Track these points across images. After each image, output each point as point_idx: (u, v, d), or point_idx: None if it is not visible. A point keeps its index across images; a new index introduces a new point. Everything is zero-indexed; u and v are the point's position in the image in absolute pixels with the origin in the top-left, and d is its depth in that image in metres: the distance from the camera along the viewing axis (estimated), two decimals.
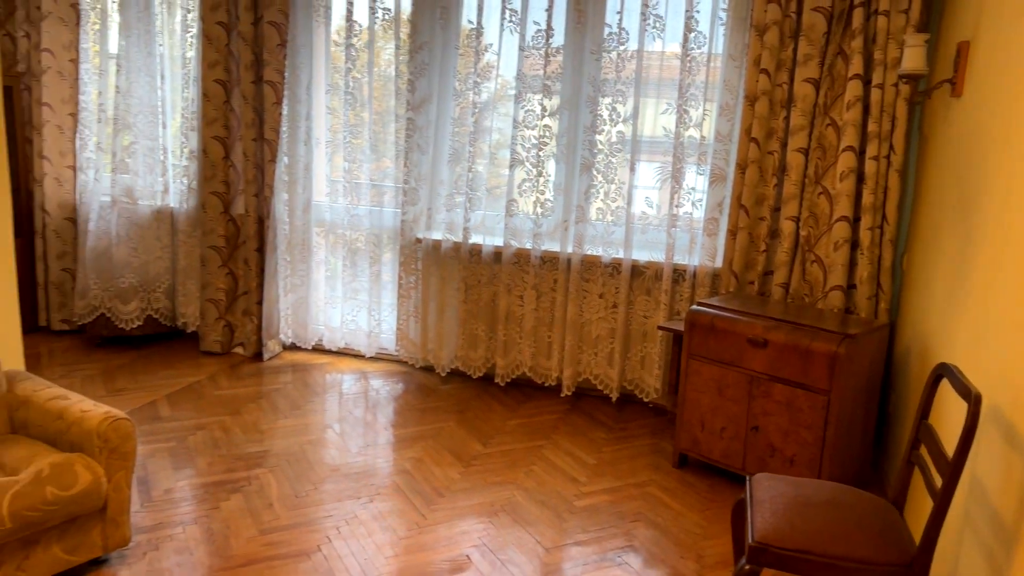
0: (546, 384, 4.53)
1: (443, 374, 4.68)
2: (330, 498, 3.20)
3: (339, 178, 4.79)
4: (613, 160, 4.21)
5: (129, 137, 4.86)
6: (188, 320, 5.08)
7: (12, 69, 4.93)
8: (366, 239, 4.78)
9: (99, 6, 4.85)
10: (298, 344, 5.04)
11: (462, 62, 4.36)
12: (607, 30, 4.11)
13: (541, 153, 4.27)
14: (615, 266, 4.28)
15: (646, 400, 4.37)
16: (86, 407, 2.62)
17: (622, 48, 4.11)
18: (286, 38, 4.51)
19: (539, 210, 4.31)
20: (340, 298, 4.91)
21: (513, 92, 4.30)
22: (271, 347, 4.88)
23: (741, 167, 3.87)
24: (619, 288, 4.28)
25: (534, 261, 4.36)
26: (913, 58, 3.15)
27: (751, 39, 3.78)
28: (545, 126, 4.25)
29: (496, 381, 4.56)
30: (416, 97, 4.42)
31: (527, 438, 3.90)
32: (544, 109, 4.23)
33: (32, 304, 5.11)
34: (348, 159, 4.67)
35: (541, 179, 4.29)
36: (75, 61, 4.93)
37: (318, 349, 5.06)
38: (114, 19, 4.82)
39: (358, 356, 4.97)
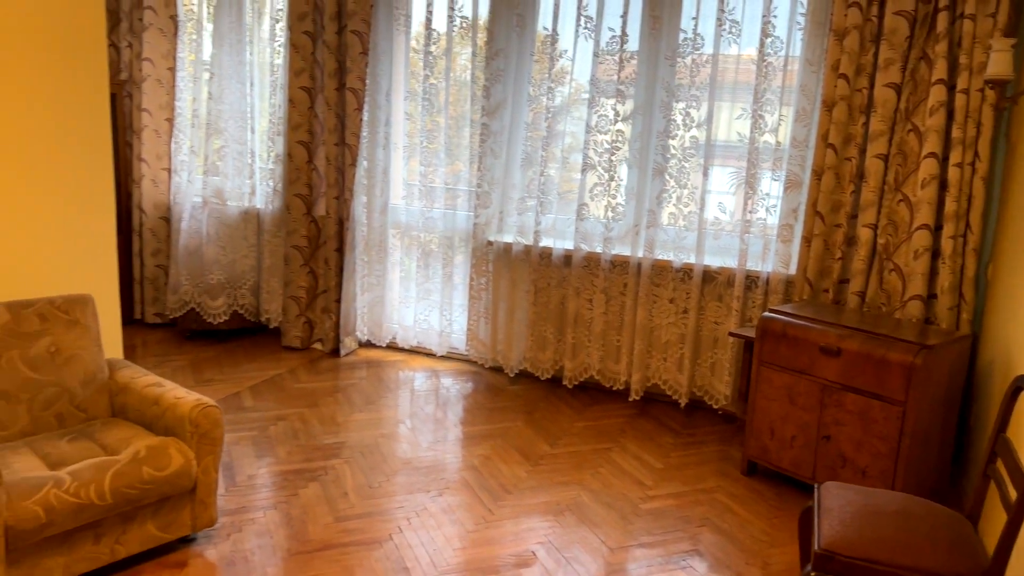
0: (614, 388, 4.56)
1: (511, 375, 4.76)
2: (401, 490, 3.32)
3: (415, 181, 4.94)
4: (686, 165, 4.21)
5: (219, 141, 5.12)
6: (271, 316, 5.31)
7: (116, 77, 5.26)
8: (439, 241, 4.91)
9: (195, 17, 5.13)
10: (373, 341, 5.21)
11: (537, 68, 4.44)
12: (682, 35, 4.12)
13: (613, 158, 4.30)
14: (686, 271, 4.28)
15: (715, 407, 4.35)
16: (179, 394, 2.81)
17: (697, 53, 4.11)
18: (368, 46, 4.68)
19: (610, 214, 4.35)
20: (413, 298, 5.05)
21: (586, 97, 4.35)
22: (348, 344, 5.06)
23: (817, 173, 3.81)
24: (690, 293, 4.27)
25: (604, 265, 4.40)
26: (1000, 63, 3.06)
27: (830, 44, 3.73)
28: (618, 131, 4.29)
29: (564, 383, 4.61)
30: (491, 102, 4.52)
31: (594, 440, 3.94)
32: (617, 114, 4.27)
33: (128, 298, 5.44)
34: (424, 163, 4.81)
35: (613, 183, 4.33)
36: (172, 69, 5.24)
37: (392, 347, 5.22)
38: (208, 30, 5.09)
39: (429, 355, 5.11)
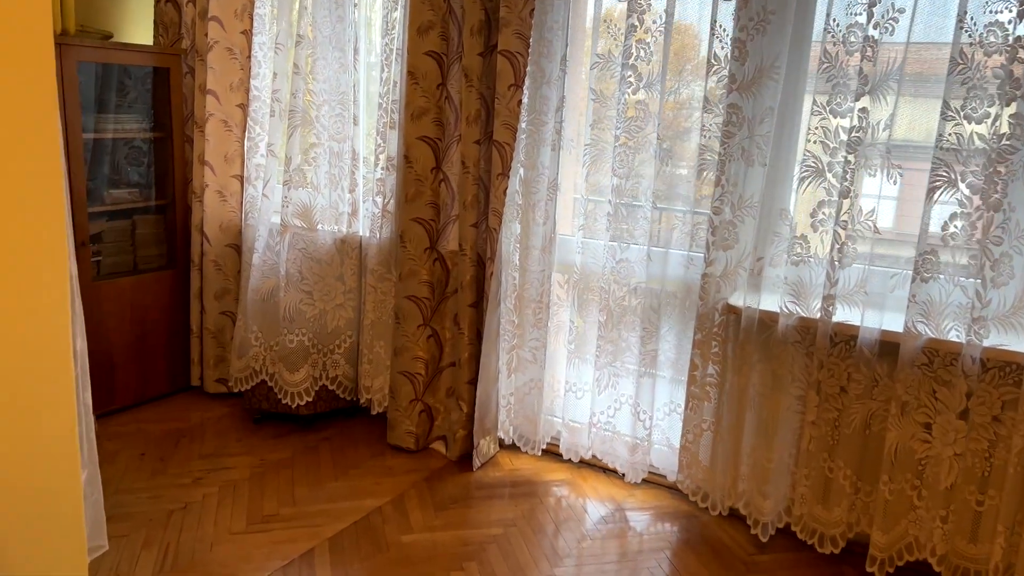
0: None
1: (763, 537, 2.79)
2: None
3: (600, 198, 3.08)
4: None
5: (310, 137, 3.46)
6: (373, 397, 3.60)
7: (176, 44, 3.72)
8: (639, 298, 3.02)
9: None
10: (522, 446, 3.39)
11: (839, 6, 2.48)
12: None
13: (1001, 167, 2.28)
14: None
15: None
16: None
17: None
18: None
19: (990, 273, 2.32)
20: (590, 385, 3.19)
21: (940, 54, 2.36)
22: (484, 448, 3.28)
23: None
24: None
25: (967, 365, 2.37)
26: None
27: None
28: (1017, 115, 2.26)
29: (868, 569, 2.60)
30: (745, 69, 2.60)
31: None
32: (1014, 80, 2.24)
33: (184, 357, 3.89)
34: (618, 172, 2.95)
35: (997, 215, 2.30)
36: (248, 32, 3.64)
37: (551, 453, 3.39)
38: None
39: (613, 474, 3.23)
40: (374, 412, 3.59)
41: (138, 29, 3.91)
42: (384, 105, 3.33)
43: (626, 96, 2.89)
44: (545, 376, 3.28)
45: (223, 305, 3.84)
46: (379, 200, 3.40)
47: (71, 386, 1.77)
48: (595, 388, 3.15)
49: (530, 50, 2.96)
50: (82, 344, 1.96)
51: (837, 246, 2.51)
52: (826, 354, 2.57)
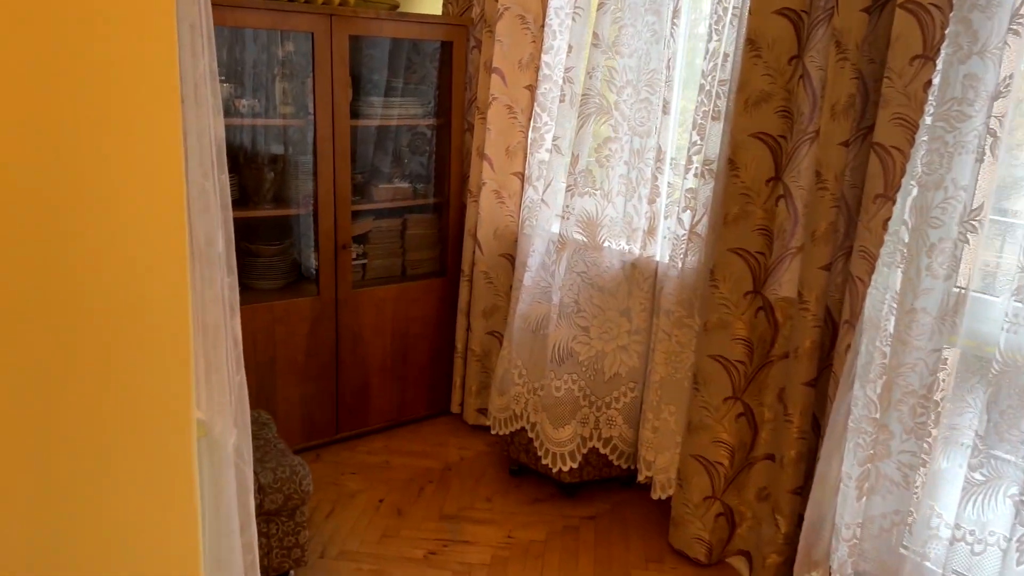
0: None
1: None
2: None
3: None
4: None
5: (606, 128, 2.65)
6: (656, 476, 2.73)
7: (465, 14, 3.16)
8: None
9: None
10: None
11: None
12: None
13: None
14: None
15: None
16: None
17: None
18: None
19: None
20: (1001, 540, 1.99)
21: None
22: None
23: None
24: None
25: None
26: None
27: None
28: None
29: None
30: None
31: None
32: None
33: (446, 379, 3.38)
34: None
35: None
36: None
37: None
38: None
39: None
40: (655, 496, 2.72)
41: None
42: (707, 87, 2.39)
43: None
44: (920, 507, 2.14)
45: (491, 324, 3.24)
46: (686, 217, 2.48)
47: (195, 514, 1.16)
48: (1012, 548, 1.94)
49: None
50: (242, 421, 1.39)
51: None
52: None
